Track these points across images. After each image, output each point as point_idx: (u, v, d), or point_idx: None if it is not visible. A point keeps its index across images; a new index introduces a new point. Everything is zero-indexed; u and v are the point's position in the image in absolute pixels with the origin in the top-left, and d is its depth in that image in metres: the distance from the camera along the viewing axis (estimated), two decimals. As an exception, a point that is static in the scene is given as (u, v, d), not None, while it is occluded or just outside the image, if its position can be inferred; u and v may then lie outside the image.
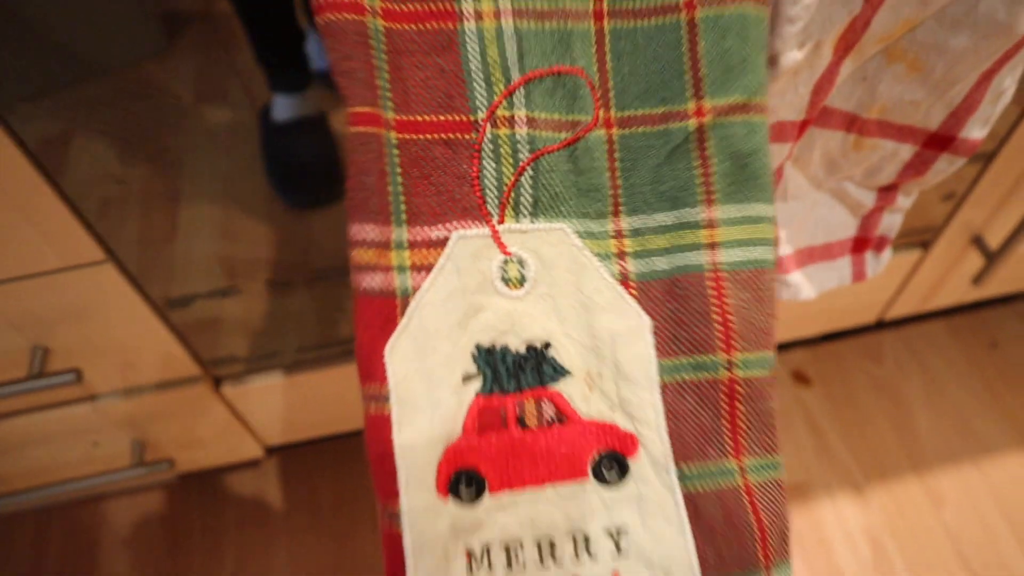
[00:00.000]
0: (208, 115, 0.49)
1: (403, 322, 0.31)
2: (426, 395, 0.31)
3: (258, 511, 0.97)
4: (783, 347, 1.08)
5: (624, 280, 0.34)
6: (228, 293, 0.62)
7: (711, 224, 0.33)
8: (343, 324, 0.68)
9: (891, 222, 0.53)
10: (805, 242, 0.52)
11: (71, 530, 0.97)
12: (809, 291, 0.52)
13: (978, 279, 0.80)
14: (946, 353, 1.08)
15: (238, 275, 0.61)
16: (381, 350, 0.31)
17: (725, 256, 0.33)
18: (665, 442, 0.32)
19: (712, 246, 0.33)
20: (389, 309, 0.31)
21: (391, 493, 0.30)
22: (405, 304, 0.32)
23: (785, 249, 0.51)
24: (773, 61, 0.36)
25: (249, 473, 1.00)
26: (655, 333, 0.33)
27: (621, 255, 0.34)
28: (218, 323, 0.65)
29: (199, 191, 0.54)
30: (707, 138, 0.33)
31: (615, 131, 0.34)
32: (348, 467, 1.00)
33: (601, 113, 0.34)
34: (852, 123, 0.46)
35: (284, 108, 0.51)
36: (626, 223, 0.34)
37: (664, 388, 0.33)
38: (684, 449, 0.32)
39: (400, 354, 0.31)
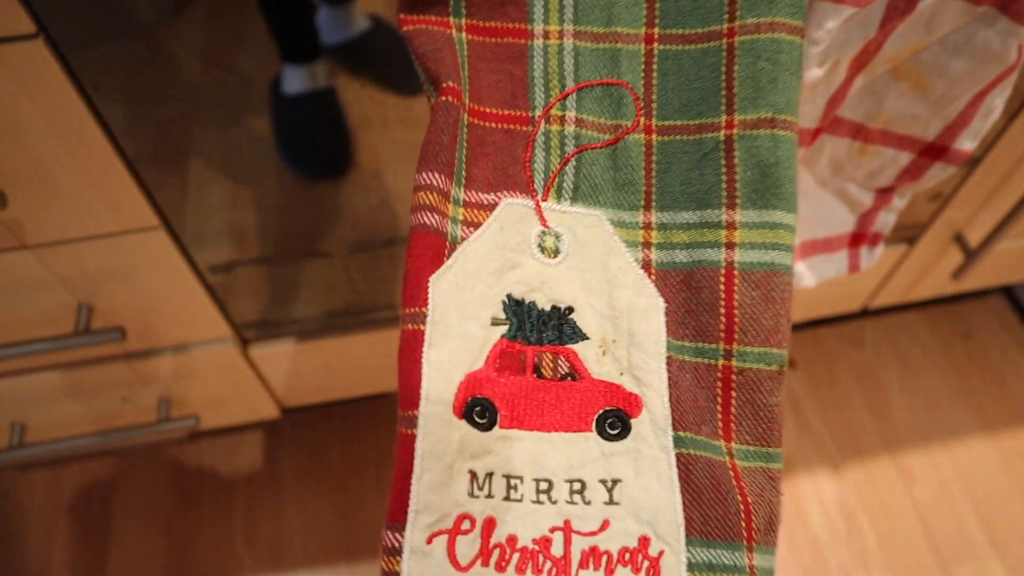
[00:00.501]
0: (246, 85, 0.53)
1: (448, 262, 0.36)
2: (458, 325, 0.35)
3: (268, 471, 1.01)
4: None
5: (646, 266, 0.38)
6: (266, 261, 0.66)
7: (731, 225, 0.37)
8: (369, 294, 0.72)
9: (886, 220, 0.58)
10: (809, 235, 0.57)
11: (85, 484, 1.00)
12: (810, 280, 0.57)
13: (957, 274, 0.86)
14: (922, 342, 1.14)
15: (277, 242, 0.64)
16: (426, 279, 0.35)
17: (740, 256, 0.36)
18: (667, 407, 0.36)
19: (730, 245, 0.36)
20: (439, 247, 0.36)
21: (412, 401, 0.34)
22: (452, 249, 0.36)
23: (791, 242, 0.56)
24: (796, 77, 0.41)
25: (259, 434, 1.04)
26: (667, 315, 0.37)
27: (647, 245, 0.38)
28: (253, 288, 0.68)
29: (248, 156, 0.57)
30: (735, 148, 0.37)
31: (655, 137, 0.38)
32: (356, 431, 1.04)
33: (642, 120, 0.38)
34: (858, 131, 0.51)
35: (294, 80, 0.53)
36: (655, 217, 0.38)
37: (669, 361, 0.36)
38: (683, 418, 0.36)
39: (442, 287, 0.35)
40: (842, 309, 0.96)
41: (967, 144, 0.50)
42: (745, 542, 0.34)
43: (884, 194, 0.56)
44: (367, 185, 0.61)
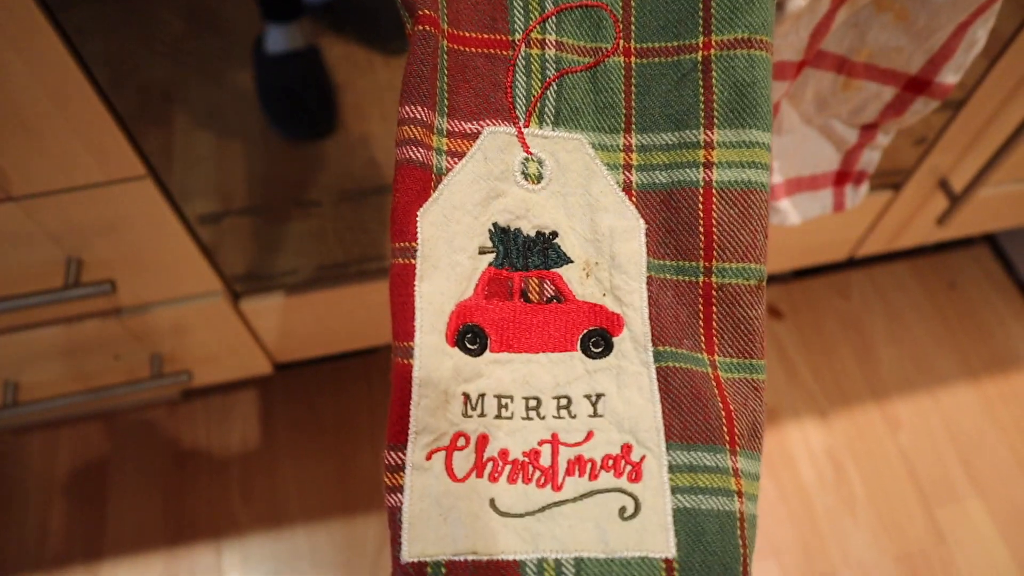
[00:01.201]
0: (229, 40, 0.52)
1: (435, 195, 0.37)
2: (447, 257, 0.36)
3: (262, 429, 1.02)
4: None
5: (627, 188, 0.39)
6: (254, 211, 0.66)
7: (709, 145, 0.37)
8: (359, 245, 0.73)
9: (870, 158, 0.59)
10: (794, 173, 0.57)
11: (80, 446, 1.01)
12: (795, 217, 0.58)
13: (942, 219, 0.87)
14: (909, 292, 1.16)
15: (265, 193, 0.64)
16: (414, 213, 0.36)
17: (718, 175, 0.37)
18: (646, 324, 0.37)
19: (708, 165, 0.37)
20: (425, 181, 0.36)
21: (407, 333, 0.35)
22: (438, 181, 0.37)
23: (776, 178, 0.56)
24: (780, 6, 0.41)
25: (252, 393, 1.05)
26: (647, 235, 0.38)
27: (627, 167, 0.39)
28: (242, 240, 0.68)
29: (234, 110, 0.57)
30: (712, 69, 0.37)
31: (633, 60, 0.39)
32: (348, 388, 1.05)
33: (622, 43, 0.39)
34: (842, 65, 0.51)
35: (277, 40, 0.53)
36: (635, 139, 0.39)
37: (650, 280, 0.38)
38: (662, 334, 0.37)
39: (429, 220, 0.36)
40: (830, 258, 0.97)
41: (950, 77, 0.51)
42: (727, 445, 0.35)
43: (868, 131, 0.56)
44: (353, 146, 0.61)
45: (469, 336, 0.36)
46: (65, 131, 0.53)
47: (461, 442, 0.35)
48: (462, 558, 0.33)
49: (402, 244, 0.36)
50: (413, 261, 0.36)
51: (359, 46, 0.54)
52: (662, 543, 0.34)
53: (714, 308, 0.37)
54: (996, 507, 0.98)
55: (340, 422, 1.03)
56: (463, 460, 0.34)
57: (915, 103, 0.53)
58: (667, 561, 0.33)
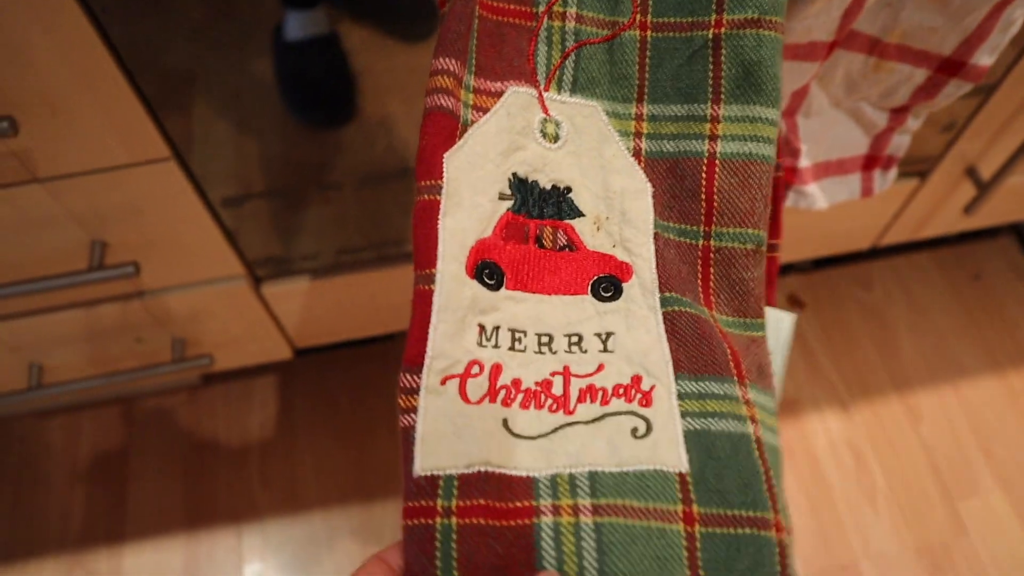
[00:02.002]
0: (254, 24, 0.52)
1: (460, 142, 0.39)
2: (469, 198, 0.38)
3: (281, 415, 1.03)
4: (781, 271, 1.13)
5: (636, 154, 0.41)
6: (276, 194, 0.66)
7: (715, 119, 0.39)
8: (380, 229, 0.72)
9: (900, 142, 0.58)
10: (822, 157, 0.57)
11: (102, 430, 1.02)
12: (823, 202, 0.57)
13: (969, 208, 0.86)
14: (931, 283, 1.14)
15: (286, 177, 0.64)
16: (441, 155, 0.38)
17: (722, 147, 0.39)
18: (654, 273, 0.39)
19: (713, 137, 0.39)
20: (452, 128, 0.38)
21: (430, 261, 0.36)
22: (463, 131, 0.39)
23: (804, 162, 0.55)
24: (813, -17, 0.41)
25: (272, 379, 1.05)
26: (654, 198, 0.40)
27: (638, 135, 0.41)
28: (263, 224, 0.69)
29: (256, 94, 0.57)
30: (721, 46, 0.39)
31: (649, 33, 0.41)
32: (367, 375, 1.05)
33: (638, 17, 0.41)
34: (874, 46, 0.50)
35: (296, 26, 0.53)
36: (646, 109, 0.41)
37: (656, 236, 0.40)
38: (668, 282, 0.39)
39: (454, 163, 0.38)
40: (852, 247, 0.96)
41: (984, 59, 0.50)
42: (735, 377, 0.37)
43: (898, 114, 0.55)
44: (373, 131, 0.61)
45: (487, 271, 0.38)
46: (92, 112, 0.53)
47: (475, 370, 0.35)
48: (475, 469, 0.33)
49: (428, 182, 0.37)
50: (438, 197, 0.37)
51: (378, 33, 0.54)
52: (675, 458, 0.35)
53: (711, 269, 0.39)
54: (1019, 500, 0.97)
55: (358, 408, 1.03)
56: (476, 387, 0.35)
57: (947, 86, 0.52)
58: (680, 475, 0.34)
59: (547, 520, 0.32)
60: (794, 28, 0.43)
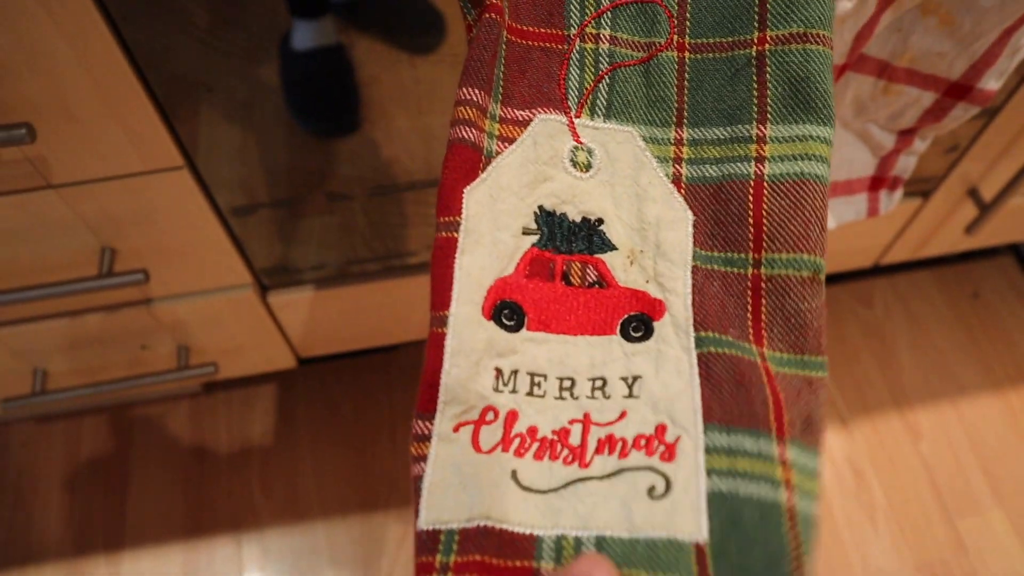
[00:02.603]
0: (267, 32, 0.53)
1: (483, 175, 0.37)
2: (490, 234, 0.36)
3: (283, 424, 1.03)
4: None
5: (676, 181, 0.38)
6: (285, 204, 0.66)
7: (761, 140, 0.37)
8: (388, 240, 0.73)
9: (906, 164, 0.59)
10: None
11: (103, 436, 1.02)
12: (830, 222, 0.57)
13: (971, 228, 0.87)
14: (931, 301, 1.15)
15: (296, 187, 0.65)
16: (461, 190, 0.36)
17: (770, 168, 0.37)
18: (689, 310, 0.36)
19: (760, 159, 0.37)
20: (474, 161, 0.37)
21: (443, 303, 0.35)
22: (487, 163, 0.37)
23: (813, 182, 0.56)
24: (827, 7, 0.41)
25: (274, 387, 1.05)
26: (695, 227, 0.38)
27: (678, 160, 0.39)
28: (271, 233, 0.69)
29: (267, 103, 0.57)
30: (766, 64, 0.37)
31: (687, 55, 0.39)
32: (370, 385, 1.05)
33: (675, 38, 0.39)
34: (883, 70, 0.51)
35: (303, 36, 0.53)
36: (686, 133, 0.39)
37: (695, 270, 0.37)
38: (706, 320, 0.36)
39: (475, 198, 0.36)
40: (854, 265, 0.96)
41: (992, 83, 0.50)
42: (774, 433, 0.32)
43: (906, 136, 0.56)
44: (380, 142, 0.62)
45: (506, 312, 0.36)
46: (108, 120, 0.53)
47: (490, 416, 0.34)
48: (475, 524, 0.31)
49: (447, 219, 0.36)
50: (456, 235, 0.35)
51: (384, 44, 0.55)
52: (693, 526, 0.31)
53: (763, 300, 0.36)
54: (1018, 518, 0.98)
55: (360, 418, 1.03)
56: (490, 434, 0.33)
57: (955, 109, 0.52)
58: (697, 546, 0.30)
59: None
60: (806, 50, 0.44)
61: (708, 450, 0.32)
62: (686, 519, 0.31)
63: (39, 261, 0.65)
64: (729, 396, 0.33)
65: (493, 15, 0.37)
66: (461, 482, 0.32)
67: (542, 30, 0.39)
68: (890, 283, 1.16)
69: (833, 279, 1.15)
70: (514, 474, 0.33)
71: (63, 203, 0.59)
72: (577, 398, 0.35)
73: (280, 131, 0.60)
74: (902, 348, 1.11)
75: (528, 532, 0.31)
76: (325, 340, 0.87)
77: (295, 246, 0.72)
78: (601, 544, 0.31)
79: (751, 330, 0.35)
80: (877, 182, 0.60)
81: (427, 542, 0.31)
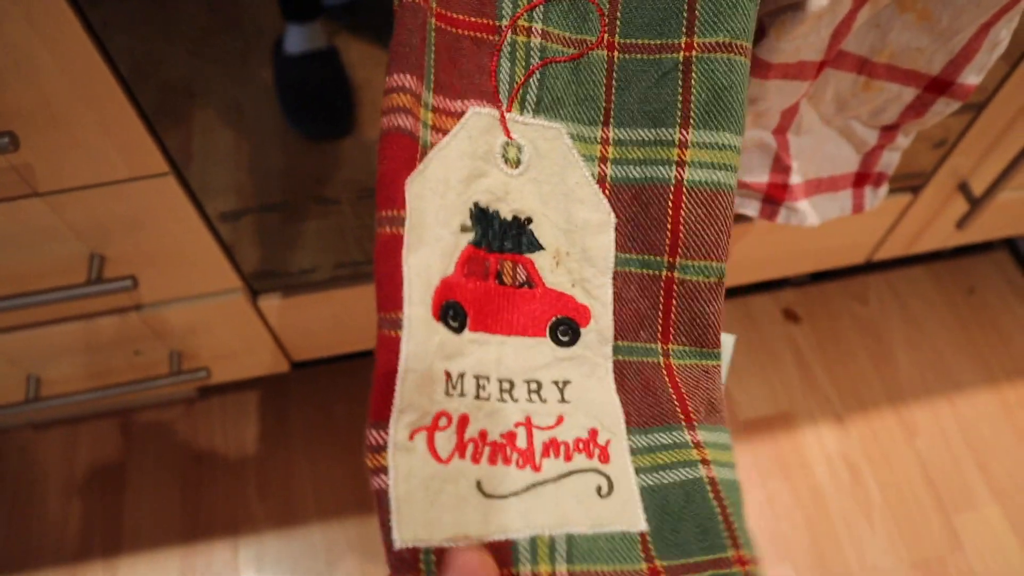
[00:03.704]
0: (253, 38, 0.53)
1: (420, 167, 0.36)
2: (432, 231, 0.36)
3: (278, 428, 1.03)
4: (776, 285, 1.14)
5: (601, 180, 0.39)
6: (274, 209, 0.66)
7: (683, 144, 0.38)
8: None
9: (890, 159, 0.59)
10: (813, 174, 0.57)
11: (99, 442, 1.02)
12: (814, 219, 0.57)
13: (961, 223, 0.86)
14: (926, 296, 1.15)
15: (284, 191, 0.65)
16: (402, 181, 0.35)
17: (689, 174, 0.38)
18: (611, 320, 0.38)
19: (681, 164, 0.38)
20: (412, 150, 0.36)
21: (395, 303, 0.33)
22: (423, 153, 0.36)
23: (795, 179, 0.56)
24: (802, 6, 0.41)
25: (269, 391, 1.05)
26: (616, 229, 0.39)
27: (603, 159, 0.40)
28: (261, 237, 0.69)
29: (255, 108, 0.58)
30: (692, 70, 0.38)
31: (616, 54, 0.40)
32: (363, 386, 1.05)
33: (606, 37, 0.39)
34: (863, 66, 0.51)
35: (296, 40, 0.53)
36: (612, 133, 0.40)
37: (615, 275, 0.39)
38: (622, 328, 0.39)
39: (415, 191, 0.35)
40: (846, 261, 0.96)
41: (971, 78, 0.50)
42: (683, 422, 0.37)
43: (888, 132, 0.56)
44: (371, 145, 0.62)
45: (451, 313, 0.36)
46: (92, 127, 0.53)
47: (443, 422, 0.34)
48: (454, 544, 0.32)
49: (390, 212, 0.35)
50: (401, 230, 0.34)
51: (377, 46, 0.55)
52: (636, 518, 0.35)
53: (674, 301, 0.38)
54: (1015, 514, 0.97)
55: (355, 421, 1.03)
56: (445, 440, 0.33)
57: (936, 104, 0.52)
58: (642, 534, 0.34)
59: None
60: (783, 48, 0.44)
61: (633, 451, 0.36)
62: (630, 514, 0.35)
63: (28, 268, 0.65)
64: (640, 401, 0.37)
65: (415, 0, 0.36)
66: (429, 497, 0.32)
67: (472, 19, 0.38)
68: (885, 279, 1.16)
69: (827, 276, 1.15)
70: (479, 485, 0.34)
71: (50, 210, 0.60)
72: (517, 400, 0.36)
73: (268, 136, 0.60)
74: (897, 344, 1.11)
75: (504, 538, 0.32)
76: (317, 343, 0.87)
77: (285, 250, 0.72)
78: (571, 541, 0.33)
79: (660, 327, 0.39)
80: (861, 178, 0.60)
81: (408, 560, 0.31)
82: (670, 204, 0.38)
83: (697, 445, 0.36)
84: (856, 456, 1.01)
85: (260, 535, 0.95)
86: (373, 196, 0.68)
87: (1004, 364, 1.09)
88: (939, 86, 0.51)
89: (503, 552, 0.32)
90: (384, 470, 0.32)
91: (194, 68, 0.53)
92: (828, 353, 1.10)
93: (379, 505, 0.32)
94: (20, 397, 0.81)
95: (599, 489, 0.35)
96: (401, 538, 0.31)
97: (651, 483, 0.36)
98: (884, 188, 0.62)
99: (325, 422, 1.03)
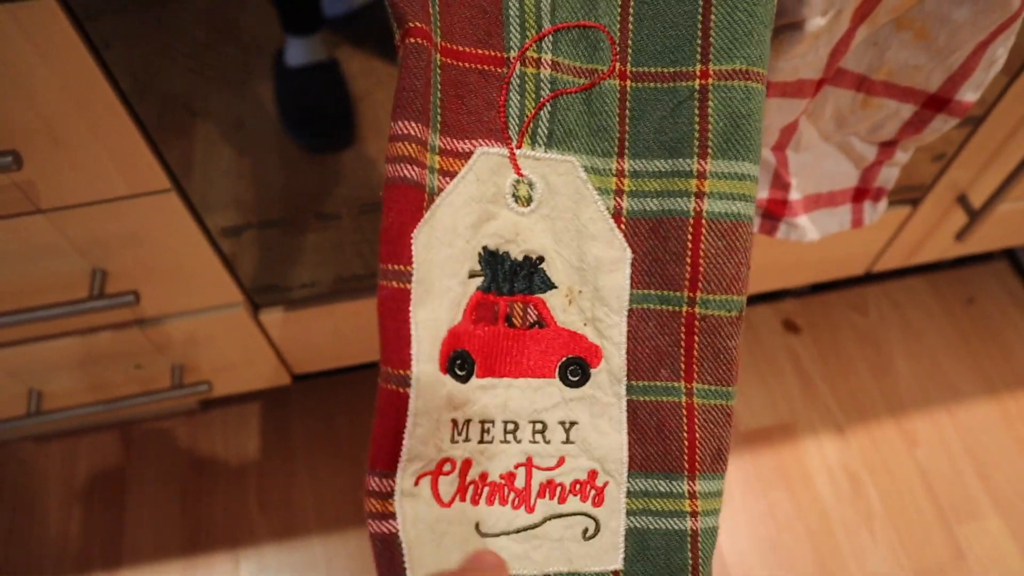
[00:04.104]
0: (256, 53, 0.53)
1: (427, 216, 0.35)
2: (439, 282, 0.35)
3: (279, 440, 1.03)
4: (776, 296, 1.14)
5: (617, 214, 0.39)
6: (275, 223, 0.66)
7: (701, 175, 0.37)
8: (378, 257, 0.73)
9: (889, 175, 0.59)
10: (812, 189, 0.58)
11: (100, 455, 1.02)
12: (814, 234, 0.58)
13: (961, 235, 0.87)
14: (926, 307, 1.15)
15: (285, 206, 0.65)
16: (409, 234, 0.35)
17: (708, 205, 0.37)
18: (623, 359, 0.38)
19: (699, 195, 0.37)
20: (419, 200, 0.35)
21: (403, 361, 0.34)
22: (430, 201, 0.36)
23: (794, 195, 0.56)
24: (799, 26, 0.42)
25: (270, 404, 1.05)
26: (633, 265, 0.38)
27: (619, 192, 0.39)
28: (262, 252, 0.69)
29: (255, 123, 0.58)
30: (709, 98, 0.37)
31: (629, 83, 0.39)
32: (363, 398, 1.06)
33: (618, 65, 0.38)
34: (861, 83, 0.51)
35: (297, 53, 0.53)
36: (628, 164, 0.39)
37: (631, 313, 0.38)
38: (637, 368, 0.38)
39: (422, 242, 0.35)
40: (846, 273, 0.96)
41: (969, 95, 0.51)
42: (686, 471, 0.38)
43: (887, 148, 0.56)
44: (372, 158, 0.62)
45: (459, 362, 0.36)
46: (93, 144, 0.54)
47: (447, 467, 0.35)
48: None
49: (396, 267, 0.34)
50: (408, 286, 0.34)
51: (377, 59, 0.55)
52: (613, 558, 0.37)
53: (696, 338, 0.38)
54: (1016, 523, 0.97)
55: (356, 433, 1.03)
56: (448, 485, 0.35)
57: (934, 121, 0.53)
58: (615, 572, 0.37)
59: None
60: (782, 67, 0.44)
61: (629, 494, 0.38)
62: (609, 555, 0.37)
63: (30, 284, 0.65)
64: (651, 442, 0.38)
65: (418, 39, 0.35)
66: (435, 539, 0.34)
67: (479, 51, 0.37)
68: (884, 290, 1.16)
69: (827, 287, 1.15)
70: (477, 526, 0.36)
71: (52, 227, 0.60)
72: (520, 441, 0.37)
73: (268, 151, 0.60)
74: (897, 355, 1.11)
75: None
76: (319, 356, 0.87)
77: (286, 264, 0.72)
78: None
79: (683, 366, 0.38)
80: (860, 193, 0.60)
81: None
82: (689, 237, 0.37)
83: (692, 496, 0.37)
84: (857, 466, 1.01)
85: (261, 547, 0.95)
86: (372, 211, 0.68)
87: (1004, 374, 1.09)
88: (937, 103, 0.52)
89: None
90: (390, 516, 0.34)
91: (194, 84, 0.53)
92: (828, 364, 1.10)
93: (384, 549, 0.33)
94: (22, 411, 0.81)
95: (585, 532, 0.37)
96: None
97: (638, 526, 0.37)
98: (883, 203, 0.62)
99: (326, 434, 1.03)
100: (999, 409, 1.06)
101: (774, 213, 0.57)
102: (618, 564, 0.37)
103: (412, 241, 0.34)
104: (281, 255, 0.70)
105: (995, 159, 0.79)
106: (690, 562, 0.37)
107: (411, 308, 0.34)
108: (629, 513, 0.37)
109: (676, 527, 0.37)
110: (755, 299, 1.14)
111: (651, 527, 0.37)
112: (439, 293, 0.35)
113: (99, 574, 0.94)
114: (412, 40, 0.35)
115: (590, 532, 0.37)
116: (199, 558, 0.95)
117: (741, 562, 0.94)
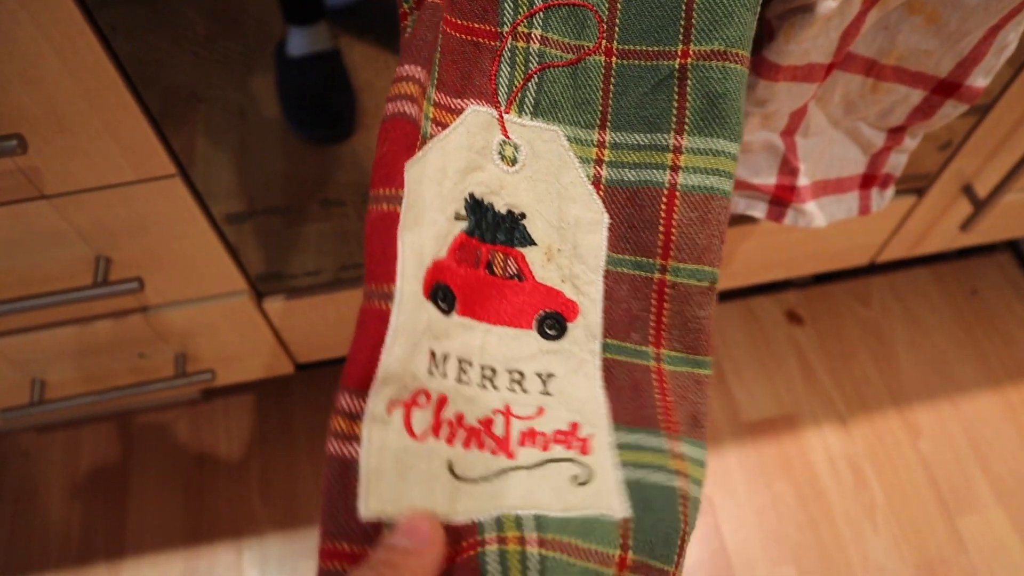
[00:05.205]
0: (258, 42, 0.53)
1: (420, 154, 0.37)
2: (427, 214, 0.36)
3: (281, 430, 1.03)
4: (779, 287, 1.14)
5: (596, 182, 0.40)
6: (279, 211, 0.66)
7: (677, 150, 0.39)
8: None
9: (897, 161, 0.59)
10: (820, 175, 0.57)
11: (102, 444, 1.02)
12: (821, 220, 0.57)
13: (966, 225, 0.87)
14: (930, 298, 1.15)
15: (289, 193, 0.65)
16: (402, 163, 0.35)
17: (683, 179, 0.39)
18: (599, 315, 0.39)
19: (675, 168, 0.39)
20: (414, 137, 0.36)
21: (388, 276, 0.33)
22: (423, 143, 0.38)
23: (803, 181, 0.56)
24: (811, 8, 0.41)
25: (272, 394, 1.05)
26: (610, 229, 0.40)
27: (599, 162, 0.41)
28: (266, 240, 0.69)
29: (259, 111, 0.58)
30: (687, 77, 0.39)
31: (614, 60, 0.41)
32: (367, 388, 1.05)
33: (604, 43, 0.40)
34: (871, 68, 0.51)
35: (298, 43, 0.53)
36: (609, 136, 0.41)
37: (607, 274, 0.39)
38: (612, 327, 0.39)
39: (414, 176, 0.36)
40: (850, 263, 0.96)
41: (979, 81, 0.51)
42: (665, 430, 0.37)
43: (896, 134, 0.56)
44: (373, 148, 0.62)
45: (441, 294, 0.36)
46: (99, 130, 0.53)
47: (422, 399, 0.33)
48: None
49: (388, 191, 0.35)
50: (398, 208, 0.34)
51: (380, 49, 0.55)
52: (617, 505, 0.35)
53: (665, 305, 0.39)
54: (1018, 515, 0.98)
55: (359, 423, 1.03)
56: (421, 418, 0.33)
57: (944, 106, 0.52)
58: (624, 520, 0.34)
59: (492, 548, 0.31)
60: (792, 50, 0.44)
61: (618, 446, 0.37)
62: (611, 500, 0.35)
63: (34, 271, 0.65)
64: (627, 399, 0.38)
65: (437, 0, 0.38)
66: (399, 471, 0.32)
67: (476, 25, 0.40)
68: (888, 281, 1.16)
69: (830, 277, 1.15)
70: (450, 466, 0.34)
71: (56, 213, 0.60)
72: (498, 388, 0.37)
73: (273, 138, 0.60)
74: (900, 346, 1.11)
75: (469, 520, 0.32)
76: (322, 346, 0.87)
77: (290, 252, 0.72)
78: (539, 520, 0.33)
79: (652, 331, 0.39)
80: (868, 180, 0.60)
81: (370, 532, 0.30)
82: (663, 207, 0.39)
83: (677, 456, 0.36)
84: (859, 457, 1.01)
85: (263, 537, 0.95)
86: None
87: (1007, 366, 1.09)
88: (947, 88, 0.51)
89: (468, 530, 0.32)
90: (355, 439, 0.31)
91: (199, 71, 0.53)
92: (831, 355, 1.10)
93: (339, 472, 0.31)
94: (25, 400, 0.81)
95: (575, 478, 0.35)
96: (368, 508, 0.30)
97: (636, 477, 0.35)
98: (891, 190, 0.62)
99: (325, 422, 1.03)
100: (1002, 401, 1.06)
101: (782, 199, 0.57)
102: (625, 512, 0.34)
103: (404, 171, 0.35)
104: (285, 243, 0.70)
105: (1001, 149, 0.78)
106: (681, 527, 0.35)
107: (400, 230, 0.34)
108: (624, 464, 0.36)
109: (670, 484, 0.35)
110: (758, 290, 1.13)
111: (649, 480, 0.35)
112: (427, 223, 0.36)
113: (102, 564, 0.94)
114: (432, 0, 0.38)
115: (582, 478, 0.35)
116: (202, 548, 0.95)
117: (743, 552, 0.94)
